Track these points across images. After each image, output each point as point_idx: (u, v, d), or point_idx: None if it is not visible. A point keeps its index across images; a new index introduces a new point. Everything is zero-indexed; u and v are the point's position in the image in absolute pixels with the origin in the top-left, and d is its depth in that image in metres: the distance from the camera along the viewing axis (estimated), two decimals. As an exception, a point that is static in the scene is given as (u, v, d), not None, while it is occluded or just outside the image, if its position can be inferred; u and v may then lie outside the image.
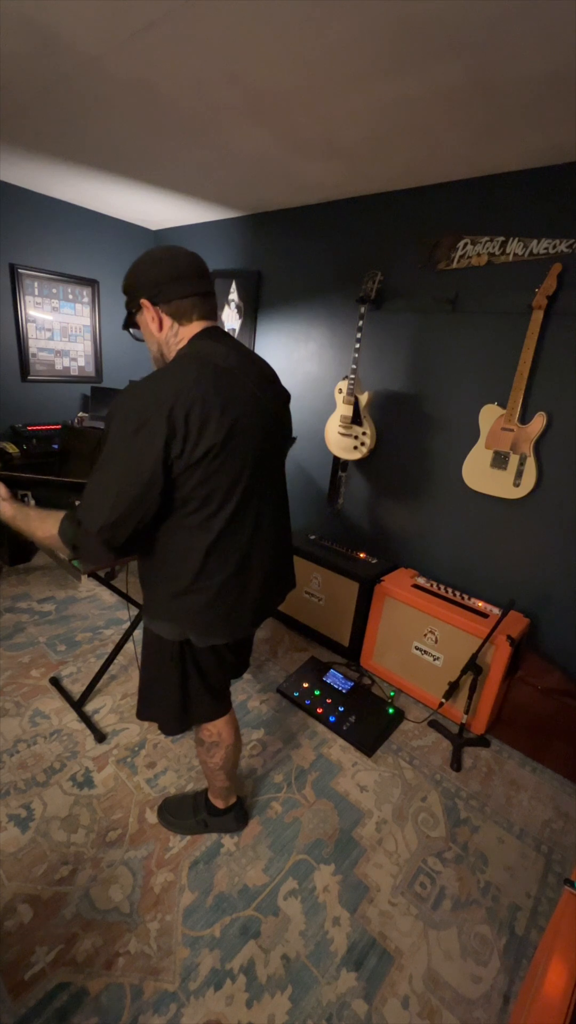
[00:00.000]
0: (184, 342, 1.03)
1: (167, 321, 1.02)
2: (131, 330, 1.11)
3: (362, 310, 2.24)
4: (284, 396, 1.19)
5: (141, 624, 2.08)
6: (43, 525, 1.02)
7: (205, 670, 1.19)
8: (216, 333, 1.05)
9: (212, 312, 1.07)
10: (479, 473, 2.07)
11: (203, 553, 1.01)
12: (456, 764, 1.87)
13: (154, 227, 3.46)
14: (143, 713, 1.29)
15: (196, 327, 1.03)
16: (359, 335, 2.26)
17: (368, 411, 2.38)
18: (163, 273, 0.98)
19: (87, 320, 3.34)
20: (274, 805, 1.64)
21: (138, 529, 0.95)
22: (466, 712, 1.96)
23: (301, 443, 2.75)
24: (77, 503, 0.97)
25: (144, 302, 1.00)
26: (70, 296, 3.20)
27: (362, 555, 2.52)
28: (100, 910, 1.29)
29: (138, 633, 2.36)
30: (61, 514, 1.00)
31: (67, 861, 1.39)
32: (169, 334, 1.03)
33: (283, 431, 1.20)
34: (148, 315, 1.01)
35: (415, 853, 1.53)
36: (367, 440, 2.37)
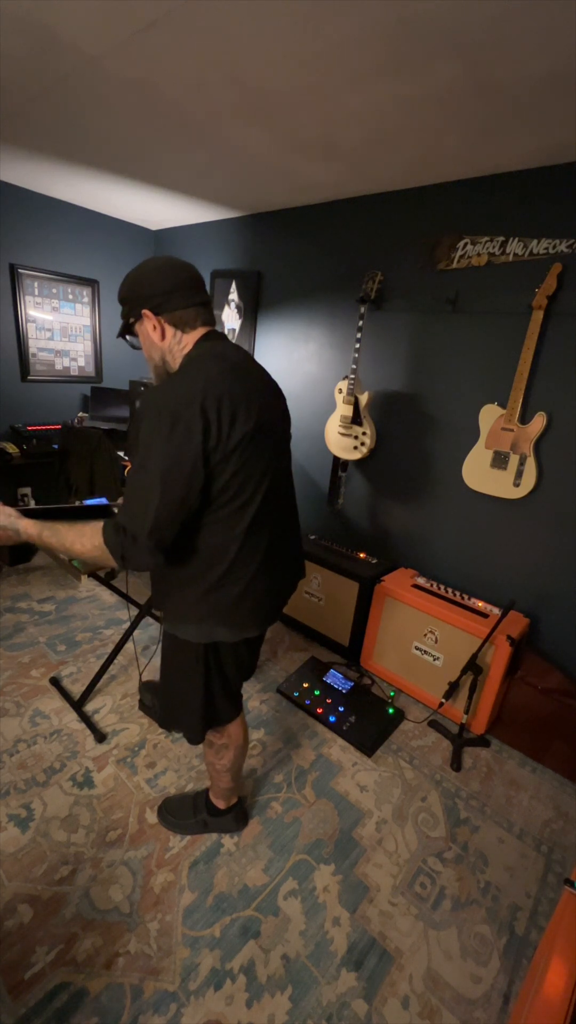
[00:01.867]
0: (189, 347, 1.05)
1: (170, 330, 1.03)
2: (127, 337, 1.11)
3: (362, 310, 2.24)
4: (282, 393, 1.22)
5: (142, 625, 2.08)
6: (80, 539, 1.00)
7: (226, 671, 1.19)
8: (219, 336, 1.09)
9: (212, 319, 1.10)
10: (479, 473, 2.07)
11: (237, 544, 1.02)
12: (456, 764, 1.87)
13: (154, 227, 3.46)
14: (168, 723, 1.30)
15: (199, 332, 1.05)
16: (359, 335, 2.26)
17: (368, 411, 2.38)
18: (166, 284, 1.00)
19: (87, 320, 3.34)
20: (274, 805, 1.64)
21: (182, 527, 0.96)
22: (466, 712, 1.95)
23: (301, 443, 2.75)
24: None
25: (146, 312, 1.01)
26: (70, 296, 3.20)
27: (362, 555, 2.52)
28: (100, 910, 1.29)
29: (138, 633, 2.37)
30: (96, 524, 0.98)
31: (67, 861, 1.39)
32: (172, 342, 1.04)
33: (288, 421, 1.23)
34: (149, 324, 1.02)
35: (415, 853, 1.53)
36: (367, 440, 2.37)
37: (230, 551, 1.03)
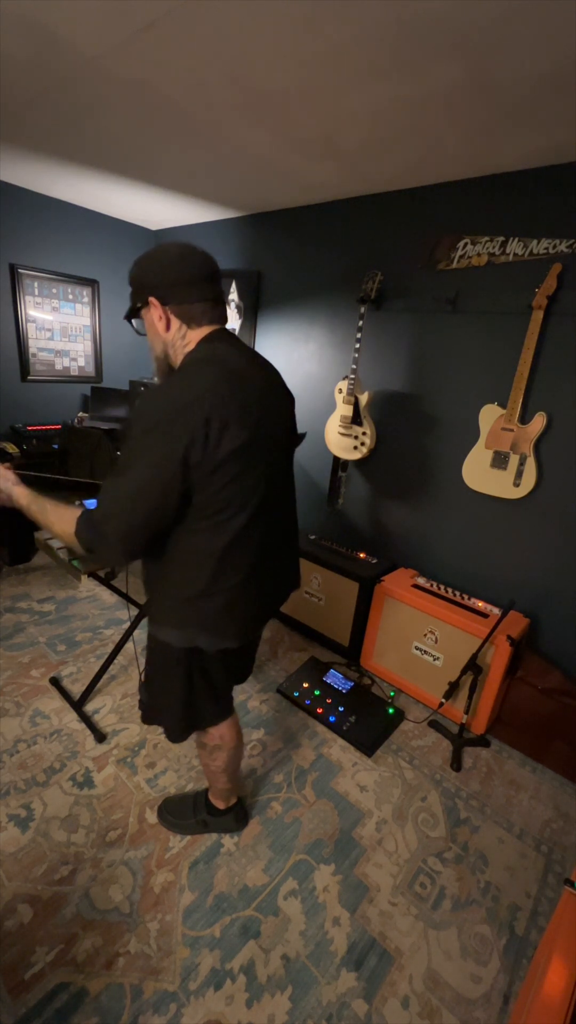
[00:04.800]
0: (191, 345, 1.01)
1: (175, 322, 1.00)
2: (133, 321, 1.08)
3: (362, 310, 2.24)
4: (291, 398, 1.20)
5: (142, 625, 2.09)
6: (60, 521, 1.00)
7: (211, 675, 1.18)
8: (224, 335, 1.04)
9: (222, 317, 1.05)
10: (479, 473, 2.07)
11: (219, 556, 0.99)
12: (456, 764, 1.87)
13: (154, 227, 3.46)
14: (149, 718, 1.29)
15: (205, 330, 1.01)
16: (359, 335, 2.26)
17: (368, 411, 2.38)
18: (177, 275, 0.96)
19: (87, 320, 3.34)
20: (274, 805, 1.64)
21: (155, 534, 0.95)
22: (466, 712, 1.95)
23: (301, 444, 2.74)
24: (78, 502, 0.96)
25: (153, 300, 0.98)
26: (70, 296, 3.21)
27: (362, 555, 2.52)
28: (100, 910, 1.29)
29: (138, 633, 2.36)
30: (78, 510, 0.98)
31: (67, 861, 1.39)
32: (176, 336, 1.01)
33: (292, 432, 1.20)
34: (155, 313, 0.99)
35: (415, 853, 1.53)
36: (367, 440, 2.37)
37: (212, 562, 1.00)
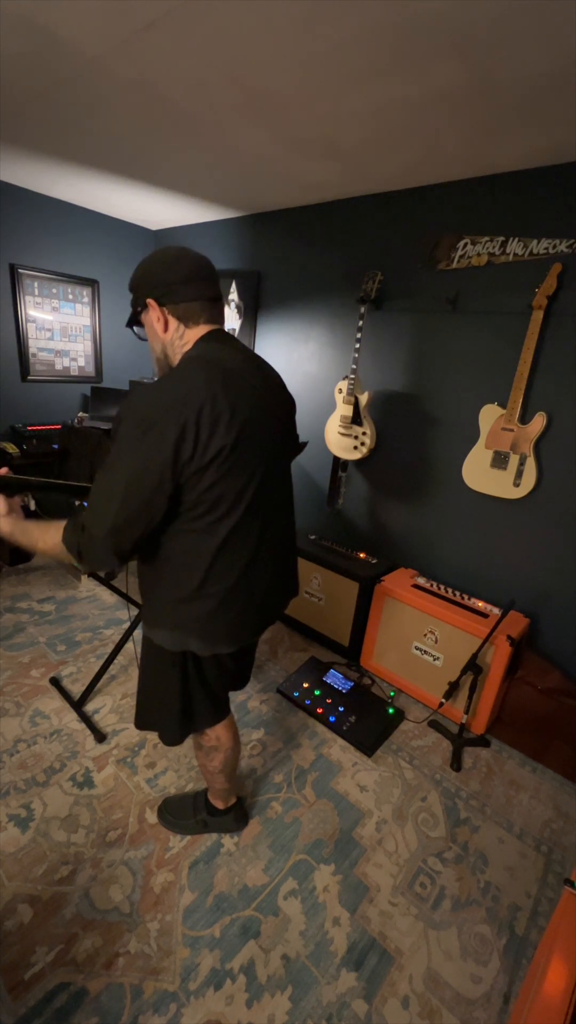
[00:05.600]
0: (189, 345, 1.02)
1: (172, 323, 1.01)
2: (135, 328, 1.10)
3: (362, 310, 2.24)
4: (291, 403, 1.19)
5: (141, 627, 2.10)
6: (44, 536, 1.00)
7: (207, 678, 1.17)
8: (222, 336, 1.04)
9: (219, 316, 1.06)
10: (479, 473, 2.07)
11: (210, 558, 0.99)
12: (456, 764, 1.87)
13: (154, 227, 3.46)
14: (141, 723, 1.27)
15: (202, 330, 1.02)
16: (359, 335, 2.26)
17: (368, 411, 2.38)
18: (173, 275, 0.98)
19: (87, 320, 3.34)
20: (274, 805, 1.64)
21: (144, 534, 0.94)
22: (466, 712, 1.95)
23: (301, 452, 2.74)
24: (77, 503, 0.96)
25: (150, 302, 0.99)
26: (70, 296, 3.21)
27: (362, 555, 2.52)
28: (100, 910, 1.29)
29: (138, 633, 2.36)
30: (60, 523, 0.98)
31: (67, 861, 1.39)
32: (174, 336, 1.02)
33: (290, 437, 1.19)
34: (154, 315, 1.00)
35: (415, 853, 1.53)
36: (367, 440, 2.37)
37: (203, 565, 0.99)
